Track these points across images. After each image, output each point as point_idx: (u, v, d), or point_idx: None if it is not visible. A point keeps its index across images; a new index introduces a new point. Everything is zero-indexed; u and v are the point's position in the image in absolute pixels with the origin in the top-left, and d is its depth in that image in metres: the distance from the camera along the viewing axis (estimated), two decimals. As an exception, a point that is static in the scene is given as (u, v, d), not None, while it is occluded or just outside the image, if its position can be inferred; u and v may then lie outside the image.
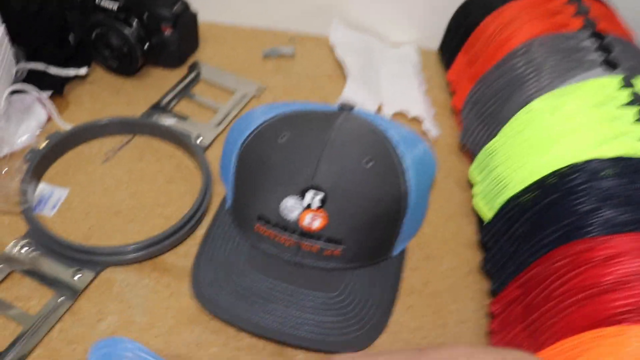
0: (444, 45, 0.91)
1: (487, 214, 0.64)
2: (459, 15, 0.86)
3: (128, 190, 0.69)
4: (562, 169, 0.57)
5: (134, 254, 0.61)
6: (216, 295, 0.58)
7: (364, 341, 0.57)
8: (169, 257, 0.63)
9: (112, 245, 0.62)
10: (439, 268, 0.66)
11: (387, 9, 0.93)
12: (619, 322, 0.46)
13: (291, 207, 0.57)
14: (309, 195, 0.57)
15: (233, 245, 0.61)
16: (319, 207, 0.56)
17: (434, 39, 0.92)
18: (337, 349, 0.56)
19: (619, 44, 0.69)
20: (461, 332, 0.61)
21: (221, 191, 0.70)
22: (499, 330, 0.57)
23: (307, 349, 0.58)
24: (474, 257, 0.67)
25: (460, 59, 0.82)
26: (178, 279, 0.61)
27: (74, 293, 0.59)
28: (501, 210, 0.62)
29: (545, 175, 0.58)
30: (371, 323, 0.58)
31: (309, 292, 0.58)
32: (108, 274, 0.61)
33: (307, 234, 0.57)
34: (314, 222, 0.57)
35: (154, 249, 0.62)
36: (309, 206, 0.57)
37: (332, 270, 0.59)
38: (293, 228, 0.57)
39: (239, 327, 0.57)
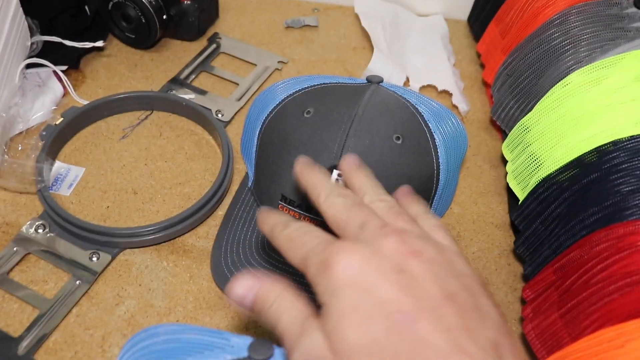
0: (473, 15, 0.87)
1: (521, 193, 0.61)
2: (490, -18, 0.82)
3: (146, 169, 0.66)
4: (602, 146, 0.54)
5: (153, 236, 0.59)
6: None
7: None
8: (189, 239, 0.61)
9: (130, 227, 0.60)
10: (469, 249, 0.63)
11: (414, -23, 0.89)
12: (667, 313, 0.43)
13: None
14: (335, 174, 0.54)
15: (255, 225, 0.59)
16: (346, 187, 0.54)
17: (463, 8, 0.88)
18: None
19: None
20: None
21: (243, 169, 0.67)
22: (533, 318, 0.54)
23: None
24: (506, 238, 0.64)
25: (491, 30, 0.78)
26: (198, 262, 0.59)
27: (91, 276, 0.57)
28: (536, 189, 0.58)
29: (584, 153, 0.55)
30: None
31: None
32: (126, 256, 0.59)
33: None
34: None
35: (173, 230, 0.60)
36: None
37: None
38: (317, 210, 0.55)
39: None
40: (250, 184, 0.63)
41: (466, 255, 0.62)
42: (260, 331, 0.55)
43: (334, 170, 0.54)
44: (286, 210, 0.57)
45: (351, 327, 0.29)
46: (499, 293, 0.60)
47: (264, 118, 0.60)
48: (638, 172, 0.51)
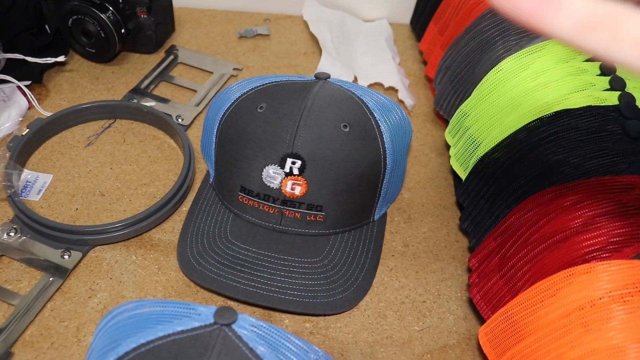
0: (414, 17, 0.93)
1: (463, 173, 0.66)
2: (429, -14, 0.87)
3: (112, 172, 0.70)
4: (530, 123, 0.59)
5: (121, 232, 0.63)
6: (202, 266, 0.59)
7: (349, 302, 0.59)
8: (156, 233, 0.65)
9: (99, 224, 0.63)
10: (420, 230, 0.68)
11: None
12: (588, 261, 0.48)
13: (273, 175, 0.59)
14: (289, 162, 0.58)
15: (217, 217, 0.63)
16: (299, 175, 0.58)
17: (405, 12, 0.94)
18: (323, 311, 0.57)
19: None
20: (443, 290, 0.63)
21: (204, 168, 0.71)
22: (478, 282, 0.59)
23: (294, 312, 0.59)
24: (454, 217, 0.69)
25: (431, 29, 0.84)
26: (165, 254, 0.63)
27: (64, 273, 0.60)
28: (475, 168, 0.63)
29: (516, 131, 0.60)
30: (355, 285, 0.60)
31: (294, 258, 0.60)
32: (96, 252, 0.62)
33: (289, 200, 0.59)
34: (295, 189, 0.59)
35: (139, 226, 0.63)
36: (289, 174, 0.58)
37: (315, 236, 0.61)
38: (276, 196, 0.60)
39: (226, 295, 0.58)
40: (211, 180, 0.67)
41: (417, 237, 0.67)
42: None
43: (289, 158, 0.58)
44: (246, 200, 0.61)
45: None
46: (449, 267, 0.65)
47: (221, 116, 0.64)
48: (563, 142, 0.57)
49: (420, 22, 0.88)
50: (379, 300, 0.62)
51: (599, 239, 0.48)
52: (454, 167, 0.67)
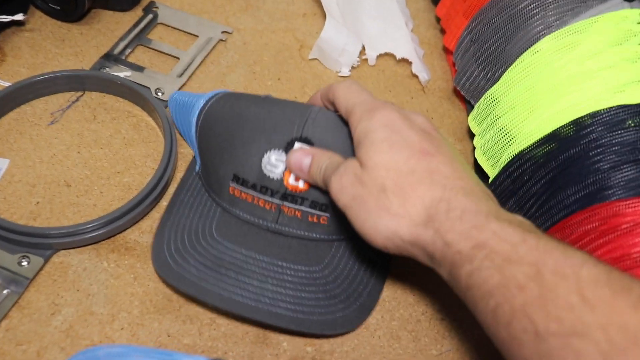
0: (430, -26, 0.82)
1: (491, 170, 0.57)
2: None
3: (80, 157, 0.60)
4: (580, 118, 0.50)
5: (91, 234, 0.53)
6: (180, 267, 0.50)
7: (350, 321, 0.51)
8: (131, 234, 0.55)
9: (64, 225, 0.53)
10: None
11: None
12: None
13: (274, 163, 0.51)
14: (297, 145, 0.51)
15: (202, 211, 0.54)
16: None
17: (419, -33, 0.82)
18: (319, 330, 0.50)
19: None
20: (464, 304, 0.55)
21: (189, 152, 0.61)
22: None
23: (287, 330, 0.51)
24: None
25: (451, -9, 0.73)
26: (142, 260, 0.54)
27: (22, 283, 0.51)
28: (508, 166, 0.54)
29: (560, 127, 0.51)
30: (359, 302, 0.52)
31: (289, 264, 0.51)
32: (61, 257, 0.53)
33: (290, 195, 0.51)
34: (300, 180, 0.51)
35: (113, 226, 0.54)
36: None
37: (315, 241, 0.53)
38: (275, 188, 0.51)
39: (207, 302, 0.49)
40: (197, 168, 0.57)
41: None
42: (211, 346, 0.50)
43: (296, 144, 0.51)
44: (237, 192, 0.52)
45: (379, 151, 0.42)
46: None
47: (207, 101, 0.57)
48: (617, 148, 0.48)
49: (436, -19, 0.77)
50: (391, 318, 0.53)
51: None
52: (479, 161, 0.58)
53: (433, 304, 0.55)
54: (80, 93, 0.65)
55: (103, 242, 0.54)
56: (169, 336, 0.50)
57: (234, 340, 0.51)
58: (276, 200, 0.51)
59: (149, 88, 0.65)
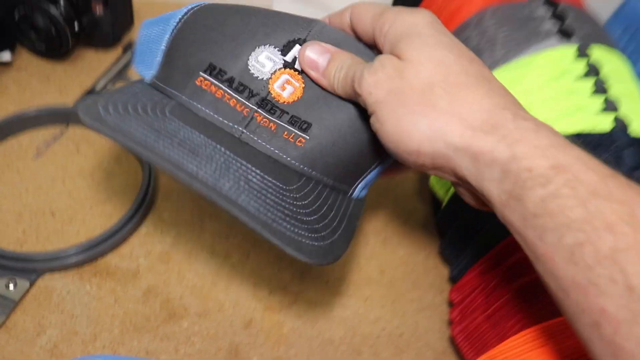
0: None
1: (444, 196, 0.62)
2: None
3: (64, 188, 0.64)
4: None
5: (74, 258, 0.57)
6: (119, 119, 0.39)
7: (320, 254, 0.40)
8: (112, 259, 0.59)
9: (48, 250, 0.57)
10: (396, 254, 0.64)
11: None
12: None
13: (263, 61, 0.42)
14: (295, 50, 0.43)
15: (151, 98, 0.44)
16: (300, 72, 0.43)
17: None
18: (286, 243, 0.38)
19: (571, 11, 0.66)
20: (421, 321, 0.59)
21: (166, 183, 0.66)
22: (461, 320, 0.55)
23: (248, 226, 0.38)
24: (433, 239, 0.65)
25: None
26: (122, 283, 0.58)
27: (8, 306, 0.54)
28: (455, 197, 0.59)
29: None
30: (330, 240, 0.42)
31: (255, 169, 0.41)
32: (45, 281, 0.57)
33: (270, 102, 0.42)
34: (286, 89, 0.43)
35: (94, 251, 0.58)
36: (289, 65, 0.43)
37: (285, 165, 0.43)
38: (255, 90, 0.42)
39: (153, 161, 0.38)
40: (151, 74, 0.46)
41: (392, 261, 0.63)
42: (197, 349, 0.54)
43: (296, 46, 0.43)
44: (207, 84, 0.42)
45: (426, 45, 0.37)
46: (427, 296, 0.61)
47: (184, 13, 0.46)
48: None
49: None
50: (353, 334, 0.58)
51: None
52: (433, 188, 0.63)
53: (392, 320, 0.59)
54: (64, 127, 0.69)
55: (85, 266, 0.58)
56: (147, 353, 0.54)
57: (207, 356, 0.55)
58: (251, 104, 0.42)
59: (129, 122, 0.69)
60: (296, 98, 0.42)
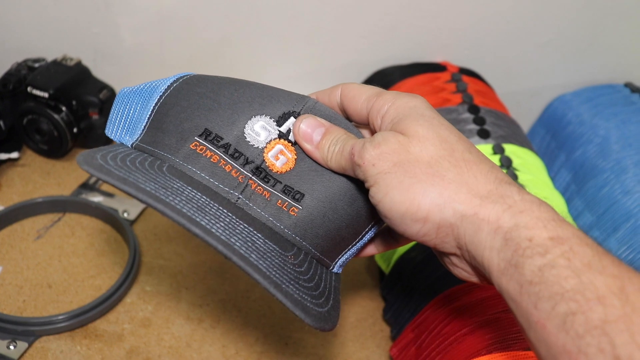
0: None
1: (386, 269, 0.73)
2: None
3: (60, 265, 0.74)
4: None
5: (66, 323, 0.66)
6: (117, 168, 0.41)
7: (324, 318, 0.42)
8: (100, 324, 0.68)
9: (45, 316, 0.67)
10: (347, 320, 0.74)
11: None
12: (490, 352, 0.55)
13: (258, 131, 0.44)
14: (289, 122, 0.45)
15: (144, 162, 0.43)
16: (293, 144, 0.45)
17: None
18: (295, 304, 0.40)
19: (491, 115, 0.80)
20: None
21: (149, 261, 0.76)
22: (398, 371, 0.65)
23: (250, 276, 0.39)
24: (379, 308, 0.75)
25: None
26: (109, 344, 0.67)
27: (9, 363, 0.63)
28: (396, 265, 0.70)
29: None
30: (328, 306, 0.44)
31: (257, 232, 0.42)
32: (42, 343, 0.66)
33: (264, 171, 0.44)
34: (279, 159, 0.44)
35: (85, 317, 0.67)
36: (283, 136, 0.45)
37: (278, 233, 0.44)
38: (251, 157, 0.44)
39: (167, 214, 0.38)
40: (134, 141, 0.47)
41: (344, 326, 0.72)
42: (166, 401, 0.63)
43: (291, 118, 0.45)
44: (202, 148, 0.44)
45: (430, 125, 0.39)
46: (374, 356, 0.70)
47: (171, 83, 0.48)
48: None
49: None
50: (308, 386, 0.66)
51: (500, 332, 0.55)
52: (378, 263, 0.74)
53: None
54: (61, 214, 0.80)
55: (77, 330, 0.67)
56: (128, 403, 0.62)
57: (181, 405, 0.63)
58: (246, 172, 0.44)
59: (117, 210, 0.80)
60: (289, 168, 0.44)
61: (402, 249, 0.70)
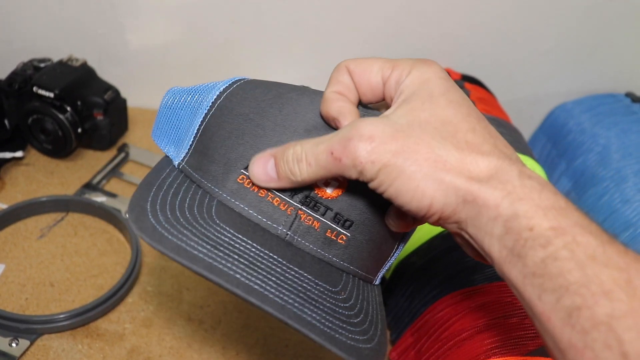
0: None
1: (386, 273, 0.73)
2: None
3: (63, 264, 0.74)
4: (443, 231, 0.68)
5: (68, 321, 0.67)
6: (177, 237, 0.39)
7: (375, 355, 0.42)
8: (102, 323, 0.69)
9: (47, 315, 0.67)
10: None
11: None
12: (489, 357, 0.55)
13: None
14: None
15: (192, 196, 0.43)
16: None
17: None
18: (349, 353, 0.40)
19: (493, 123, 0.80)
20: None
21: (150, 262, 0.76)
22: (397, 375, 0.65)
23: (314, 341, 0.38)
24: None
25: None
26: (110, 344, 0.67)
27: (11, 360, 0.64)
28: (396, 271, 0.71)
29: (432, 237, 0.68)
30: (375, 340, 0.43)
31: (308, 275, 0.42)
32: (44, 341, 0.66)
33: (314, 200, 0.43)
34: (330, 184, 0.43)
35: (86, 316, 0.68)
36: None
37: (328, 263, 0.44)
38: (299, 187, 0.42)
39: (222, 284, 0.37)
40: (179, 161, 0.46)
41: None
42: (166, 401, 0.63)
43: None
44: (249, 182, 0.43)
45: (437, 104, 0.38)
46: (373, 359, 0.71)
47: (234, 80, 0.47)
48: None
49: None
50: (308, 389, 0.67)
51: (500, 337, 0.56)
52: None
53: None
54: (64, 214, 0.81)
55: (78, 329, 0.68)
56: (128, 402, 0.63)
57: (181, 405, 0.63)
58: (295, 202, 0.42)
59: (120, 210, 0.81)
60: (340, 194, 0.43)
61: (402, 254, 0.70)
